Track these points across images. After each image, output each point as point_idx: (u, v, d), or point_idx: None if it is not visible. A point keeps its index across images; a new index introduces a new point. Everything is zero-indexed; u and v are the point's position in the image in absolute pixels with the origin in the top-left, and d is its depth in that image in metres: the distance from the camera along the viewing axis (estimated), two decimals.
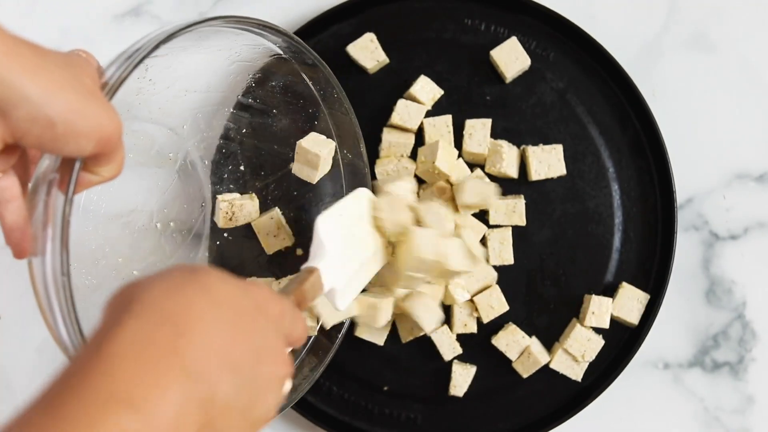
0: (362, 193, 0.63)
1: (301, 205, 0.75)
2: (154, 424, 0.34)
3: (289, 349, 0.45)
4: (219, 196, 0.72)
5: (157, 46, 0.48)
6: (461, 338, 0.74)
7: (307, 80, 0.69)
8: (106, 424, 0.33)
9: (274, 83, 0.71)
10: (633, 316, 0.73)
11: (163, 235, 0.73)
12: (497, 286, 0.73)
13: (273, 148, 0.73)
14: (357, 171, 0.74)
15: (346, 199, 0.61)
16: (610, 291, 0.75)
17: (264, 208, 0.74)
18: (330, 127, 0.72)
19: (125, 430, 0.33)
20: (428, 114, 0.75)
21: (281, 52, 0.66)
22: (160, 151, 0.72)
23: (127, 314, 0.36)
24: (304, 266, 0.55)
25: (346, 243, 0.58)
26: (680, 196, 0.76)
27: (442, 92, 0.75)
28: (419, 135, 0.75)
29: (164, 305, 0.37)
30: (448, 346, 0.73)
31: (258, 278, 0.73)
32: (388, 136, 0.74)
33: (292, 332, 0.45)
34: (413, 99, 0.74)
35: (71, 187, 0.43)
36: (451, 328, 0.74)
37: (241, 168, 0.74)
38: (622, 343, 0.74)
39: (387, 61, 0.76)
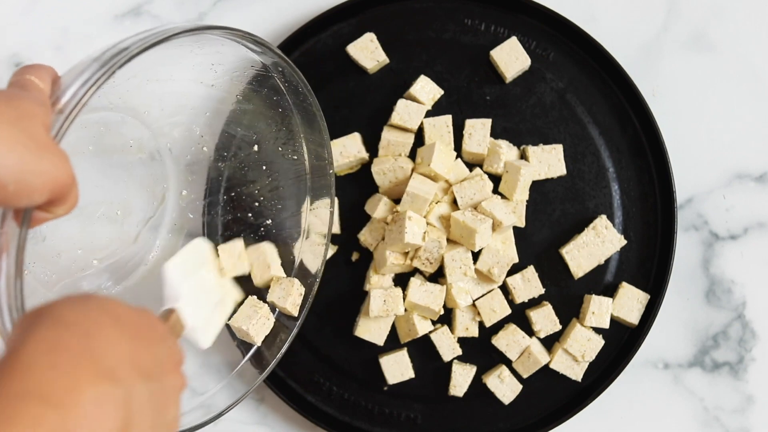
0: (200, 243, 0.66)
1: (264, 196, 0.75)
2: (73, 420, 0.34)
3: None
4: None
5: (114, 72, 0.47)
6: (462, 339, 0.74)
7: (276, 76, 0.69)
8: (23, 418, 0.33)
9: (238, 73, 0.70)
10: (633, 316, 0.73)
11: (124, 223, 0.73)
12: (499, 290, 0.73)
13: (237, 131, 0.73)
14: (323, 172, 0.73)
15: (186, 248, 0.64)
16: (610, 291, 0.75)
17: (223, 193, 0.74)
18: (296, 119, 0.72)
19: (44, 424, 0.33)
20: (428, 114, 0.75)
21: (250, 52, 0.65)
22: (123, 139, 0.71)
23: (36, 325, 0.37)
24: (161, 310, 0.56)
25: (196, 286, 0.61)
26: (680, 196, 0.76)
27: (442, 92, 0.75)
28: (419, 135, 0.75)
29: (70, 316, 0.38)
30: (447, 347, 0.73)
31: None
32: (387, 134, 0.74)
33: (174, 353, 0.46)
34: (413, 99, 0.74)
35: (24, 230, 0.43)
36: (452, 331, 0.74)
37: (204, 149, 0.74)
38: (622, 343, 0.74)
39: (387, 61, 0.76)
